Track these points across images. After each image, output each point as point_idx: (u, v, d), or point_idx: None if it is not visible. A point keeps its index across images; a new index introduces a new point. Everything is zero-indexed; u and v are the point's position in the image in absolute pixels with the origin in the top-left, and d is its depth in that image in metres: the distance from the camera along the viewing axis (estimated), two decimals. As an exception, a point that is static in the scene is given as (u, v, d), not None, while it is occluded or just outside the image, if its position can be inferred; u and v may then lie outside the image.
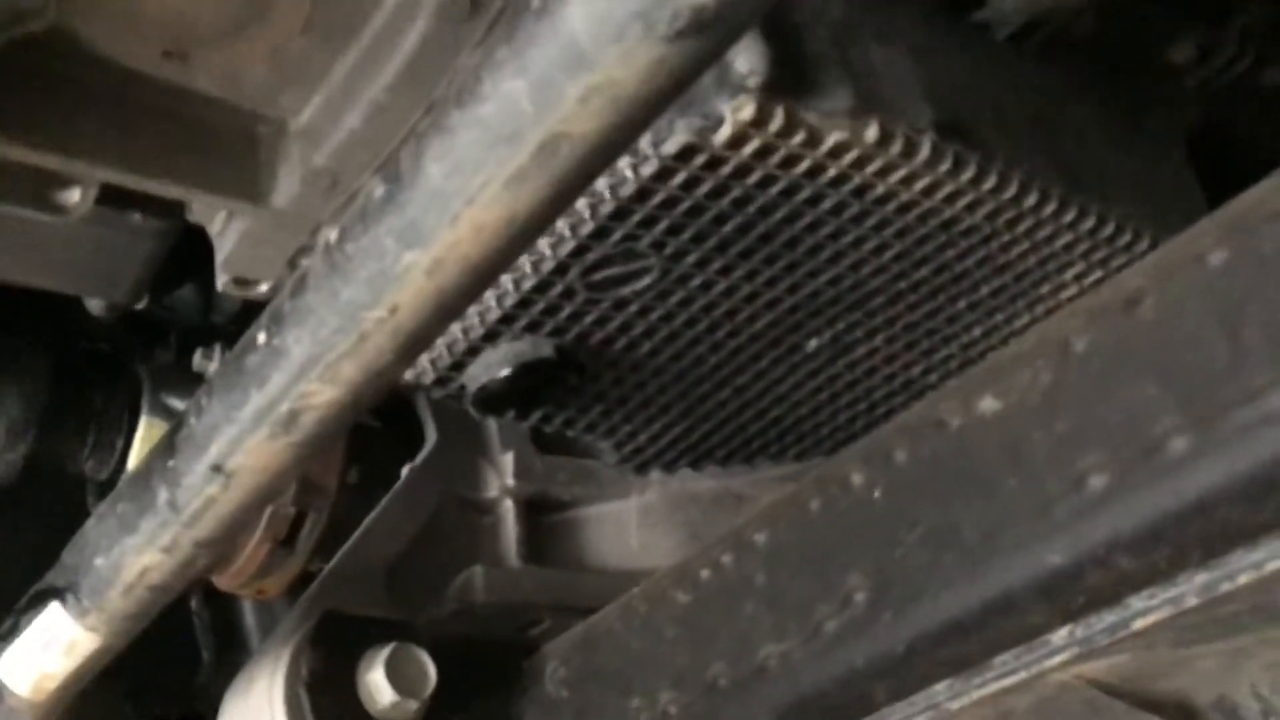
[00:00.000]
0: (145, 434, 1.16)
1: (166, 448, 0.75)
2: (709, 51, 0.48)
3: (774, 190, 0.85)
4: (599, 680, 1.06)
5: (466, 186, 0.53)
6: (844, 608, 0.84)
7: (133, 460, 1.15)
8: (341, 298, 0.60)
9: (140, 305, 1.26)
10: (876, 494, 0.85)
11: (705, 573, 0.98)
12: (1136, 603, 0.73)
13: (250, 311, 1.30)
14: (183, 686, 1.37)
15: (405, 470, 1.23)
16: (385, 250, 0.57)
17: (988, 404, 0.78)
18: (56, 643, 0.87)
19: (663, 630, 1.00)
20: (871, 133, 0.81)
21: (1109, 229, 0.96)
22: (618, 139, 0.51)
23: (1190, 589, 0.70)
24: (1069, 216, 0.93)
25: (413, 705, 1.04)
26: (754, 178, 0.83)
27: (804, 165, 0.83)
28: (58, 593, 0.84)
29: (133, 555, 0.78)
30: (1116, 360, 0.72)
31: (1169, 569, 0.70)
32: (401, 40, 0.81)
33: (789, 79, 0.79)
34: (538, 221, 0.54)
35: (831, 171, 0.84)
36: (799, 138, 0.80)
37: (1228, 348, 0.66)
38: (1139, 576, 0.71)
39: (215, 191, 0.92)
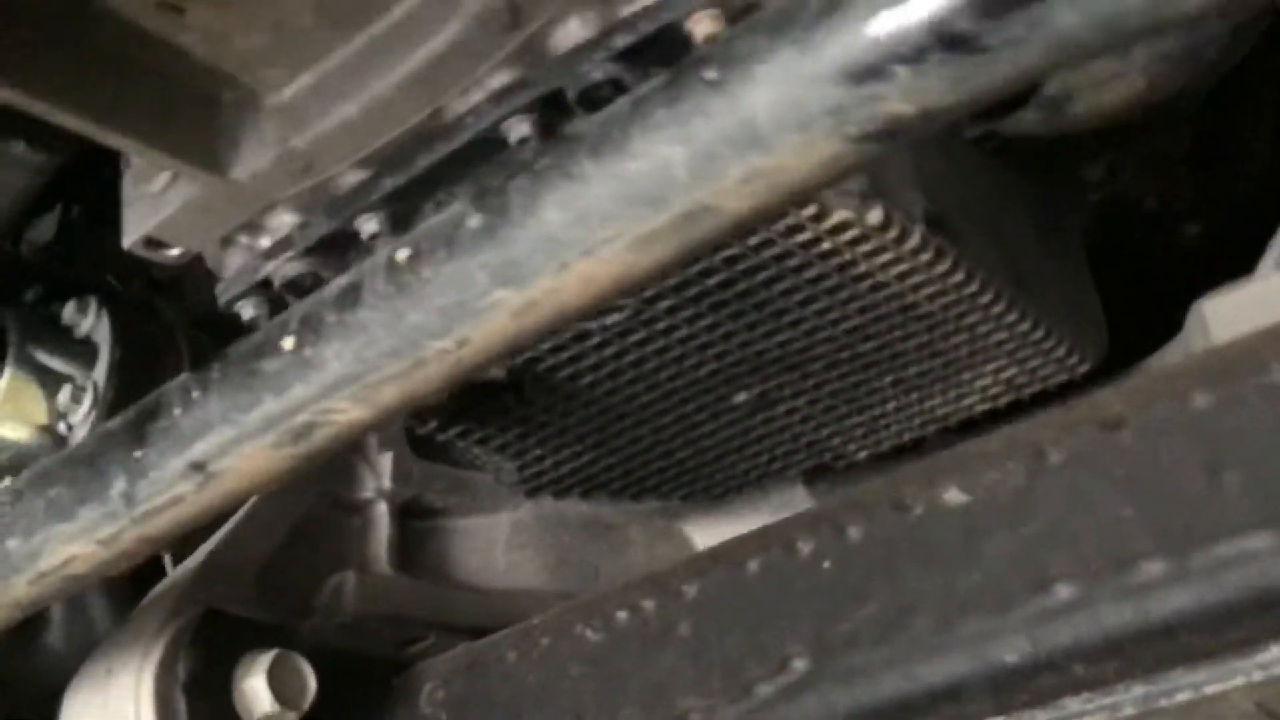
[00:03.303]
0: (8, 386, 1.05)
1: (131, 435, 0.68)
2: (885, 154, 0.48)
3: (768, 253, 0.86)
4: (483, 709, 1.03)
5: (588, 238, 0.51)
6: (780, 673, 0.85)
7: (-11, 412, 1.04)
8: (406, 320, 0.57)
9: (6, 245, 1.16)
10: (826, 564, 0.87)
11: (621, 614, 0.97)
12: (1073, 705, 0.77)
13: (124, 268, 1.21)
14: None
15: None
16: (473, 282, 0.54)
17: (953, 495, 0.81)
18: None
19: (566, 667, 0.99)
20: (875, 216, 0.83)
21: (1039, 333, 1.02)
22: (762, 218, 0.50)
23: (1128, 699, 0.75)
24: (1010, 317, 0.99)
25: (291, 717, 0.98)
26: (755, 239, 0.84)
27: (804, 235, 0.84)
28: (-53, 570, 0.76)
29: (59, 543, 0.71)
30: (1092, 476, 0.76)
31: (1114, 679, 0.75)
32: (427, 38, 0.77)
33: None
34: (648, 280, 0.53)
35: (826, 245, 0.86)
36: (810, 210, 0.82)
37: (1207, 484, 0.71)
38: (1084, 683, 0.76)
39: (171, 152, 0.84)
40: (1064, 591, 0.74)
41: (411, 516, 1.27)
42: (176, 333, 1.13)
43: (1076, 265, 1.17)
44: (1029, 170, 1.13)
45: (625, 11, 0.78)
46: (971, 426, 1.19)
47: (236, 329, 0.96)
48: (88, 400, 1.04)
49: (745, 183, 0.48)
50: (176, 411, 0.65)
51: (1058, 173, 1.19)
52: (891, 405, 1.11)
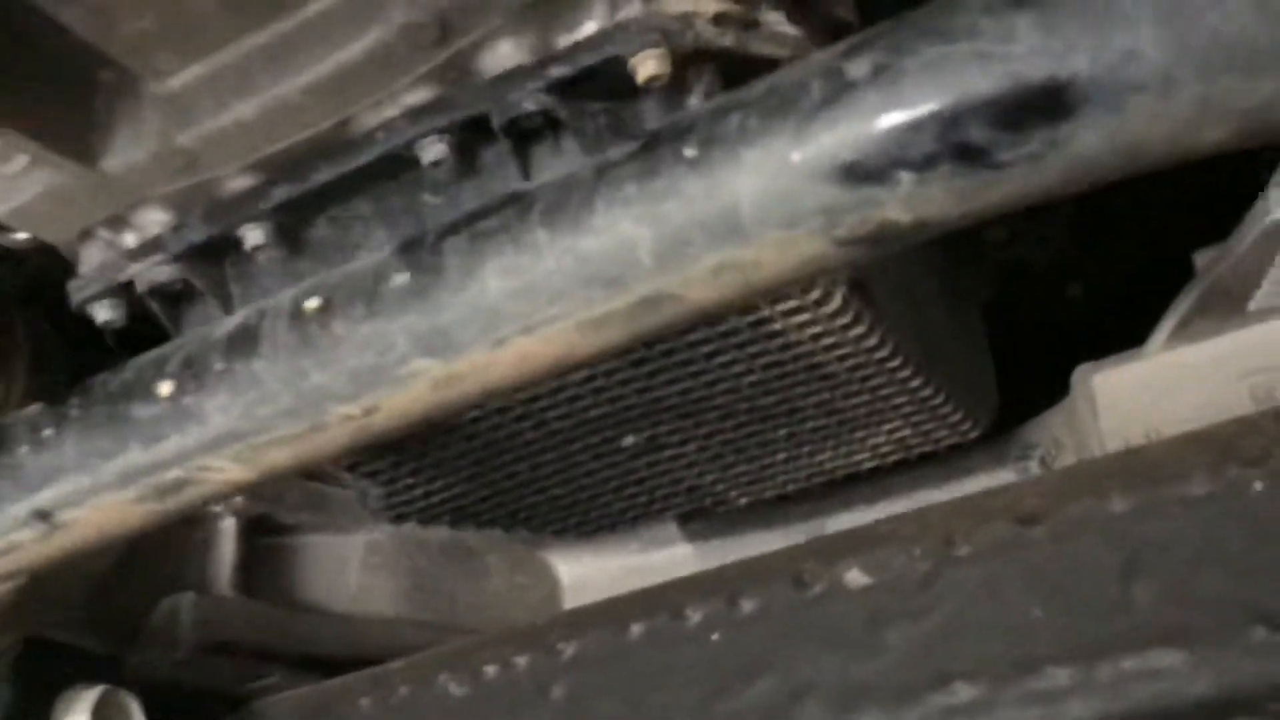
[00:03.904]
0: None
1: (-35, 469, 0.59)
2: (866, 259, 0.44)
3: (683, 306, 0.81)
4: (330, 757, 0.97)
5: (531, 314, 0.46)
6: (656, 747, 0.81)
7: None
8: (308, 379, 0.50)
9: None
10: (715, 636, 0.83)
11: (490, 668, 0.92)
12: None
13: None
14: None
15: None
16: (392, 347, 0.48)
17: (855, 576, 0.78)
18: None
19: (426, 719, 0.93)
20: (799, 278, 0.80)
21: (938, 399, 1.00)
22: (728, 310, 0.46)
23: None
24: (914, 383, 0.96)
25: (115, 760, 0.90)
26: (672, 291, 0.79)
27: (724, 291, 0.80)
28: None
29: None
30: (1003, 572, 0.74)
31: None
32: (343, 43, 0.70)
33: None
34: (588, 362, 0.48)
35: (745, 302, 0.82)
36: (734, 267, 0.78)
37: (1119, 592, 0.70)
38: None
39: (33, 134, 0.75)
40: (964, 691, 0.72)
41: (259, 533, 1.18)
42: (13, 325, 1.03)
43: (975, 329, 1.17)
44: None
45: (564, 41, 0.72)
46: (854, 479, 1.18)
47: (85, 323, 0.87)
48: (-90, 391, 0.94)
49: (716, 274, 0.43)
50: (22, 450, 0.56)
51: (964, 236, 1.18)
52: (781, 456, 1.08)
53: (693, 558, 1.35)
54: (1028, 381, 1.24)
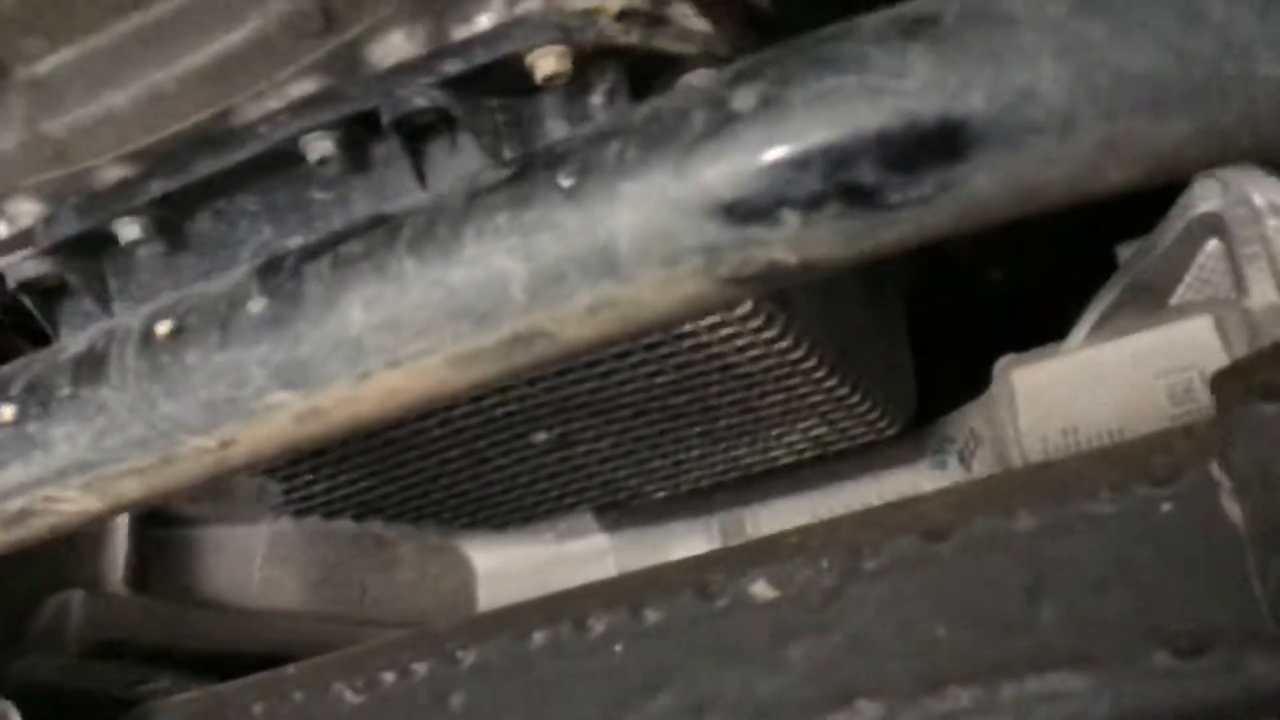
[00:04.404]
0: None
1: None
2: (747, 299, 0.41)
3: (588, 308, 0.78)
4: (222, 765, 0.94)
5: (396, 348, 0.43)
6: (555, 761, 0.79)
7: None
8: (158, 409, 0.47)
9: None
10: (618, 647, 0.80)
11: (388, 675, 0.88)
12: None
13: None
14: None
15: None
16: (248, 378, 0.45)
17: (761, 589, 0.76)
18: None
19: (322, 727, 0.90)
20: (707, 280, 0.77)
21: (855, 397, 0.98)
22: (603, 347, 0.43)
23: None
24: (829, 382, 0.94)
25: (-11, 771, 0.86)
26: (575, 293, 0.76)
27: (629, 293, 0.77)
28: None
29: None
30: (908, 587, 0.72)
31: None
32: (221, 30, 0.65)
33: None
34: (458, 398, 0.45)
35: (651, 304, 0.79)
36: (639, 269, 0.75)
37: (1025, 611, 0.68)
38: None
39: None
40: (867, 708, 0.70)
41: (154, 525, 1.13)
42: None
43: (895, 320, 1.15)
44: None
45: (460, 34, 0.68)
46: (771, 473, 1.16)
47: None
48: None
49: (592, 312, 0.40)
50: None
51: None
52: (696, 453, 1.06)
53: (609, 548, 1.33)
54: (946, 371, 1.23)
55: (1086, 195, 0.38)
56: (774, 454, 1.07)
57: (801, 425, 1.02)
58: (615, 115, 0.43)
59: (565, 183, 0.40)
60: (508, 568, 1.39)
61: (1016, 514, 0.69)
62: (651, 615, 0.79)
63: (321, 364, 0.44)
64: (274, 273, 0.46)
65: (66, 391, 0.48)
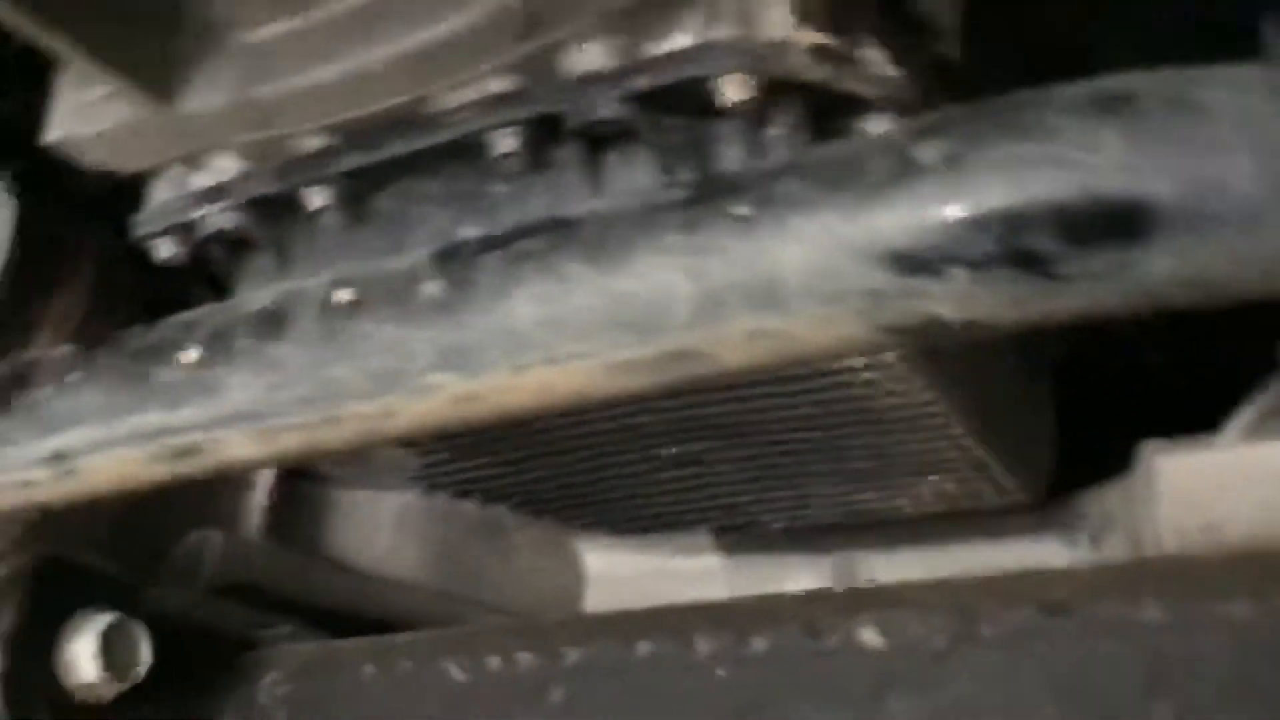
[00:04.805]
0: None
1: (-9, 399, 0.60)
2: (902, 348, 0.42)
3: (738, 332, 0.80)
4: (327, 715, 0.97)
5: (557, 347, 0.45)
6: (647, 766, 0.80)
7: None
8: (328, 370, 0.49)
9: None
10: (719, 671, 0.81)
11: (494, 659, 0.91)
12: None
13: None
14: None
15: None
16: (413, 355, 0.47)
17: (870, 636, 0.76)
18: None
19: (425, 699, 0.92)
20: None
21: (990, 461, 0.97)
22: (754, 374, 0.44)
23: None
24: (966, 442, 0.94)
25: (115, 689, 0.91)
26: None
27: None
28: None
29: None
30: (1021, 660, 0.71)
31: None
32: (430, 20, 0.68)
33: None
34: (605, 401, 0.47)
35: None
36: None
37: (1139, 706, 0.66)
38: None
39: (118, 69, 0.75)
40: (960, 769, 0.70)
41: (293, 479, 1.19)
42: (83, 240, 1.04)
43: (1041, 389, 1.13)
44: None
45: (652, 51, 0.70)
46: (891, 522, 1.15)
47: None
48: (-25, 296, 0.95)
49: (749, 339, 0.41)
50: (47, 390, 0.57)
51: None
52: (822, 490, 1.06)
53: (720, 570, 1.34)
54: (1087, 447, 1.20)
55: (1266, 292, 0.38)
56: (899, 503, 1.06)
57: (931, 479, 1.01)
58: (796, 152, 0.44)
59: (740, 212, 0.41)
60: (617, 574, 1.40)
61: (1144, 603, 0.68)
62: (757, 644, 0.79)
63: (484, 351, 0.46)
64: (451, 259, 0.48)
65: (246, 343, 0.51)
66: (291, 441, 0.51)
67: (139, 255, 0.88)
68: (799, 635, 0.78)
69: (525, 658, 0.89)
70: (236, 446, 0.52)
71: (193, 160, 0.83)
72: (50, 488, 0.58)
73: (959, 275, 0.38)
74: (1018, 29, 0.84)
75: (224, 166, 0.83)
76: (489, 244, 0.47)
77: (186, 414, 0.52)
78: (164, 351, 0.54)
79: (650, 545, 1.35)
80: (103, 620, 0.89)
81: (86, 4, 0.71)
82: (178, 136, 0.80)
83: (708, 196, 0.43)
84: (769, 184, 0.41)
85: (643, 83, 0.67)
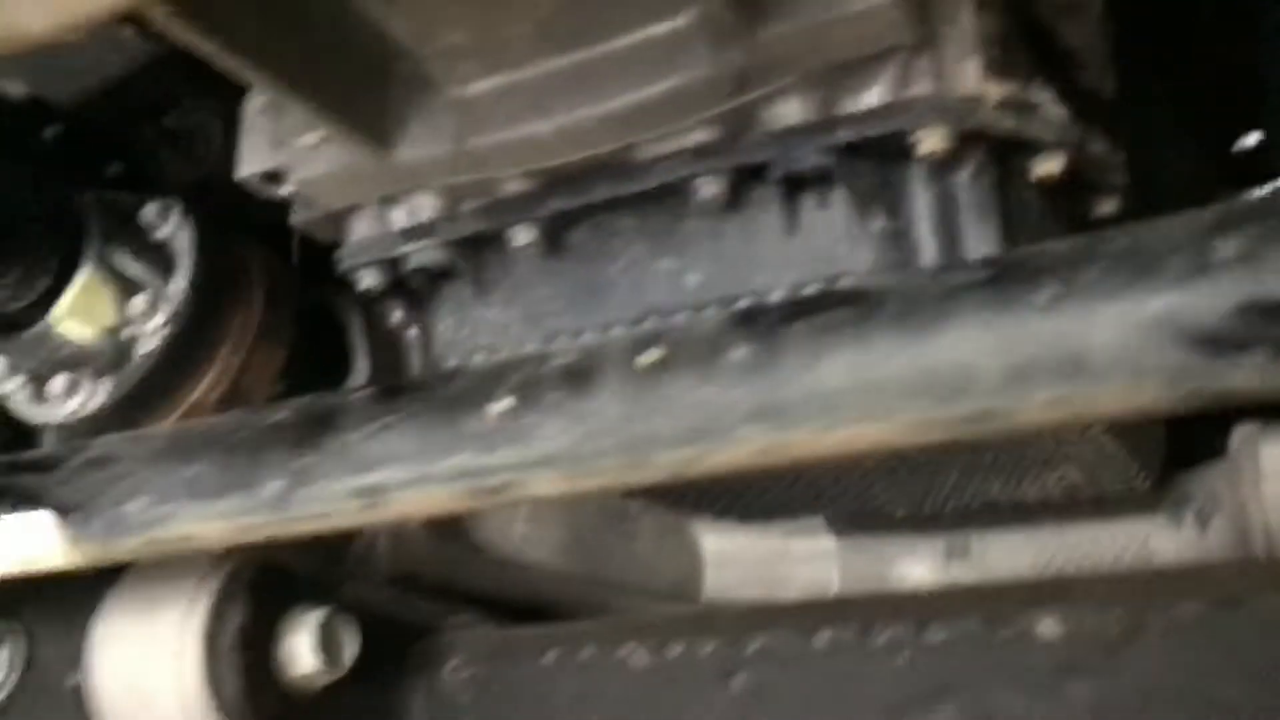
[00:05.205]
0: (83, 286, 1.00)
1: (296, 438, 0.66)
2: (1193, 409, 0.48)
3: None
4: (513, 701, 1.04)
5: (864, 407, 0.51)
6: (840, 751, 0.87)
7: (61, 309, 1.00)
8: (637, 425, 0.56)
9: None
10: (900, 658, 0.88)
11: (676, 646, 0.97)
12: None
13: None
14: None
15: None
16: (723, 413, 0.54)
17: (1047, 627, 0.83)
18: (20, 553, 0.76)
19: (607, 684, 0.99)
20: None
21: (1120, 454, 1.04)
22: (1044, 429, 0.50)
23: None
24: (1107, 441, 1.00)
25: (328, 678, 0.98)
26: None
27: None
28: (56, 505, 0.73)
29: (187, 520, 0.70)
30: (1195, 650, 0.78)
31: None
32: (645, 81, 0.74)
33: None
34: (899, 452, 0.53)
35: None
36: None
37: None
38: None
39: (347, 123, 0.80)
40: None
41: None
42: (252, 260, 1.10)
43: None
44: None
45: (847, 106, 0.76)
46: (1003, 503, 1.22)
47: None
48: (163, 313, 1.01)
49: (1049, 406, 0.48)
50: (356, 433, 0.63)
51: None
52: (952, 480, 1.13)
53: (834, 551, 1.40)
54: (1186, 428, 1.26)
55: None
56: (1024, 491, 1.13)
57: (1062, 469, 1.08)
58: (1094, 240, 0.49)
59: (1044, 296, 0.47)
60: (732, 556, 1.47)
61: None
62: (936, 633, 0.86)
63: (795, 411, 0.52)
64: (753, 323, 0.54)
65: (556, 396, 0.57)
66: (595, 482, 0.58)
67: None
68: (978, 625, 0.85)
69: (707, 645, 0.96)
70: (543, 485, 0.59)
71: (394, 198, 0.90)
72: (352, 518, 0.65)
73: (1259, 355, 0.45)
74: (1166, 57, 0.89)
75: (422, 204, 0.89)
76: (791, 312, 0.53)
77: (499, 457, 0.59)
78: (474, 401, 0.60)
79: (764, 528, 1.42)
80: (316, 615, 0.96)
81: (323, 66, 0.77)
82: (386, 179, 0.86)
83: (1011, 278, 0.49)
84: (1072, 270, 0.47)
85: (846, 135, 0.73)
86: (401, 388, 0.64)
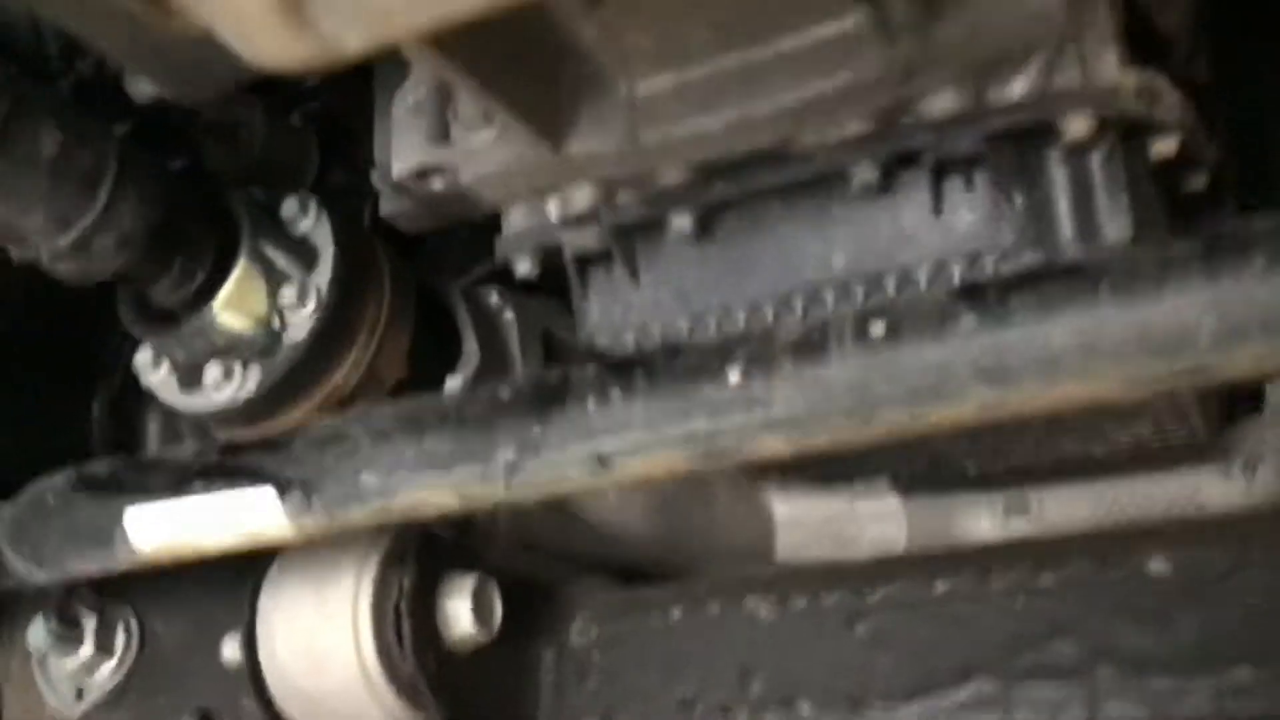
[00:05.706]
0: (240, 278, 1.05)
1: (528, 410, 0.73)
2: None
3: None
4: (639, 656, 1.11)
5: (1086, 366, 0.59)
6: (962, 686, 0.95)
7: (220, 301, 1.05)
8: (869, 389, 0.63)
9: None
10: (1017, 601, 0.96)
11: (799, 599, 1.06)
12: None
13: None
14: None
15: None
16: (952, 375, 0.61)
17: (1157, 564, 0.92)
18: (247, 525, 0.82)
19: (734, 638, 1.07)
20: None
21: (1190, 409, 1.12)
22: (1242, 376, 0.58)
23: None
24: (1183, 397, 1.09)
25: (481, 638, 1.05)
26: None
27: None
28: (278, 482, 0.79)
29: (419, 488, 0.76)
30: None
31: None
32: (814, 78, 0.81)
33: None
34: (1109, 404, 0.61)
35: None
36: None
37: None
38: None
39: (516, 113, 0.86)
40: (1243, 674, 0.86)
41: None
42: (378, 248, 1.15)
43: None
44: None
45: (994, 95, 0.84)
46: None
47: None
48: (311, 303, 1.07)
49: (1258, 359, 0.56)
50: (589, 404, 0.70)
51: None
52: (1028, 439, 1.21)
53: (899, 510, 1.49)
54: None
55: None
56: (1095, 446, 1.21)
57: (1135, 426, 1.17)
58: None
59: (1256, 262, 0.56)
60: (802, 517, 1.56)
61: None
62: (1049, 576, 0.95)
63: (1019, 373, 0.60)
64: (978, 298, 0.62)
65: (788, 365, 0.65)
66: (821, 442, 0.66)
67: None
68: (1090, 566, 0.94)
69: (830, 596, 1.04)
70: (769, 446, 0.66)
71: (549, 189, 0.96)
72: (584, 482, 0.71)
73: None
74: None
75: (579, 195, 0.95)
76: (1014, 284, 0.61)
77: (732, 422, 0.66)
78: (706, 371, 0.67)
79: (832, 489, 1.50)
80: (469, 580, 1.04)
81: (516, 69, 0.82)
82: (553, 174, 0.92)
83: (1221, 247, 0.57)
84: (1275, 239, 0.56)
85: (999, 123, 0.81)
86: (630, 361, 0.71)
